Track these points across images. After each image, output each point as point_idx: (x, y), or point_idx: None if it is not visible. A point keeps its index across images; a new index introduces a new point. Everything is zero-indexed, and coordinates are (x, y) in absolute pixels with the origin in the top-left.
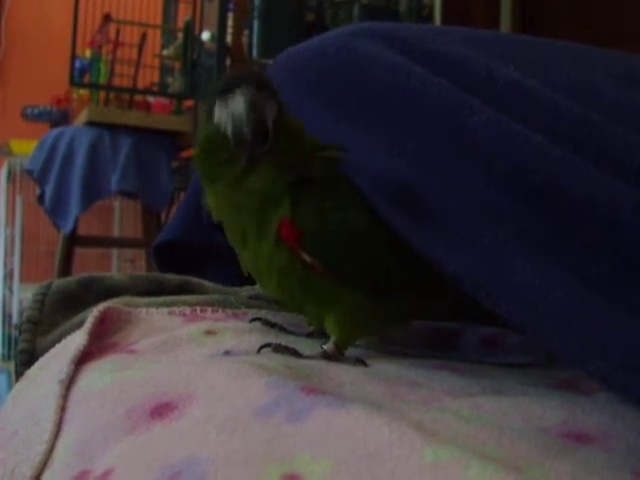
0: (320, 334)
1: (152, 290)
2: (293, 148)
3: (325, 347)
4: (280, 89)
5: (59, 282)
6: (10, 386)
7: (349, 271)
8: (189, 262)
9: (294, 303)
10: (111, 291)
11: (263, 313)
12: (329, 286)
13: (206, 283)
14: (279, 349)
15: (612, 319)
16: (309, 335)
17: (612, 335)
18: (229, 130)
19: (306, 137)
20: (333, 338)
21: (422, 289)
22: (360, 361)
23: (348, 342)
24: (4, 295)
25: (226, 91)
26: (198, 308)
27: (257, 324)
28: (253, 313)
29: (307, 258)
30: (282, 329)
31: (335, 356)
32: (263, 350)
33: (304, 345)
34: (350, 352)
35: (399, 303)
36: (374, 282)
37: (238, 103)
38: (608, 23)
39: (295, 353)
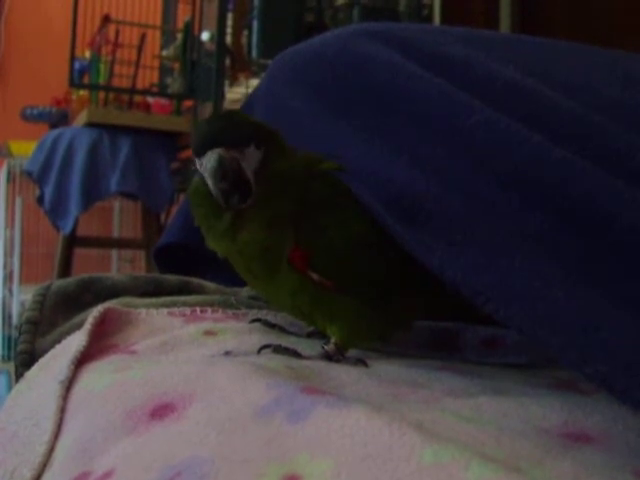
0: (320, 335)
1: (152, 291)
2: (284, 186)
3: (326, 347)
4: (280, 93)
5: (59, 283)
6: (10, 387)
7: (355, 282)
8: (190, 264)
9: (304, 317)
10: (111, 292)
11: (263, 314)
12: (335, 298)
13: (206, 284)
14: (279, 350)
15: (613, 319)
16: (309, 335)
17: (613, 336)
18: (212, 190)
19: (299, 158)
20: (334, 339)
21: (422, 293)
22: (361, 361)
23: (349, 345)
24: (4, 296)
25: (202, 150)
26: (198, 309)
27: (257, 324)
28: (253, 314)
29: (316, 277)
30: (282, 330)
31: (336, 356)
32: (263, 351)
33: (304, 346)
34: (350, 353)
35: (400, 307)
36: (377, 290)
37: (211, 165)
38: (607, 23)
39: (295, 354)
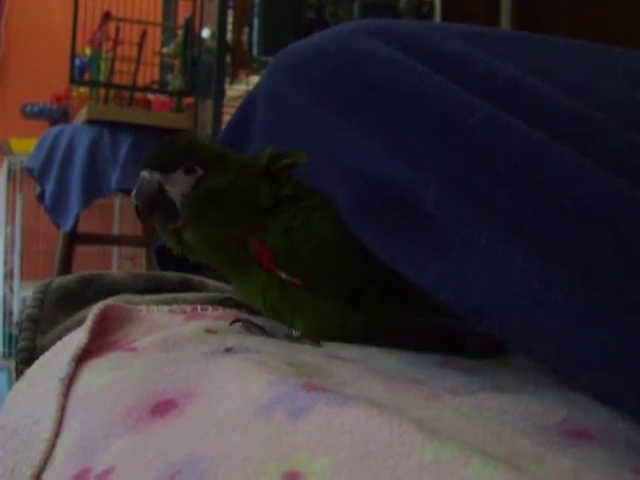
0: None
1: (152, 288)
2: (219, 204)
3: (294, 332)
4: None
5: (59, 280)
6: (10, 384)
7: (324, 281)
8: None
9: (278, 316)
10: (111, 289)
11: (244, 315)
12: (308, 298)
13: (207, 281)
14: (249, 326)
15: (613, 322)
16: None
17: (612, 340)
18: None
19: (250, 166)
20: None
21: (402, 296)
22: (317, 342)
23: (314, 334)
24: (4, 294)
25: (141, 170)
26: (199, 306)
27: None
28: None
29: (284, 275)
30: (263, 331)
31: (297, 338)
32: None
33: (273, 325)
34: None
35: (380, 311)
36: (350, 288)
37: (137, 184)
38: (608, 22)
39: (264, 332)
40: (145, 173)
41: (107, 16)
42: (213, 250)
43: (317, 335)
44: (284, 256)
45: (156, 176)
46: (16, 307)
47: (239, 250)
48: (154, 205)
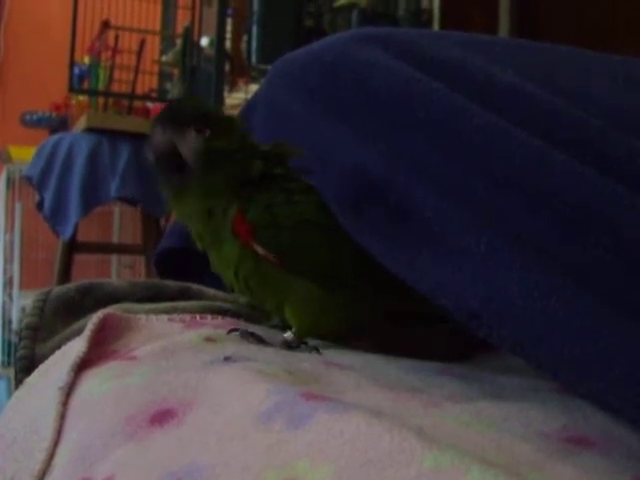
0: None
1: (152, 296)
2: (219, 164)
3: (285, 335)
4: (276, 96)
5: (59, 289)
6: (10, 393)
7: (302, 262)
8: (190, 269)
9: (257, 298)
10: (111, 297)
11: (242, 324)
12: (285, 277)
13: (206, 289)
14: (246, 335)
15: (613, 329)
16: (273, 327)
17: (611, 347)
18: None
19: (246, 142)
20: (293, 328)
21: (384, 282)
22: (315, 349)
23: (307, 331)
24: (4, 302)
25: (152, 125)
26: (198, 315)
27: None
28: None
29: (260, 250)
30: (260, 340)
31: (294, 345)
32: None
33: (271, 334)
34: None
35: (361, 296)
36: (329, 273)
37: (150, 139)
38: (607, 28)
39: (261, 341)
40: (158, 129)
41: (106, 25)
42: (201, 215)
43: (305, 325)
44: (262, 231)
45: (169, 132)
46: (15, 315)
47: (221, 219)
48: (165, 159)
